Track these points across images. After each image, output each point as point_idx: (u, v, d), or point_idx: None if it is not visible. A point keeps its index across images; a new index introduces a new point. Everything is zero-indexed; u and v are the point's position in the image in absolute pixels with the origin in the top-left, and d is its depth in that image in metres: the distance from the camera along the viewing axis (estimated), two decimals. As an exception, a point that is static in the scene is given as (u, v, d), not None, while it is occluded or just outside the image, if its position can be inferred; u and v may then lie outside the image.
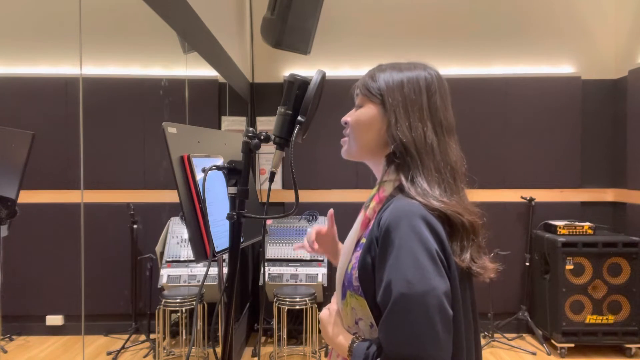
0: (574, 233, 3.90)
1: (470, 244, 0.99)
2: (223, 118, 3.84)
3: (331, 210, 1.35)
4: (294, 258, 3.86)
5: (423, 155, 1.02)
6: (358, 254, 1.01)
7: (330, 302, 1.16)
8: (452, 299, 0.94)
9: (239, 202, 1.14)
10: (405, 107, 1.04)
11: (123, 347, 2.98)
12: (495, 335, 4.05)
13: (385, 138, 1.06)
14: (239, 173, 1.16)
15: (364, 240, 1.02)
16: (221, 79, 3.52)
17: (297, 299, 3.51)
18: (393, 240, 0.93)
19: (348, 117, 1.13)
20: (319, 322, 1.16)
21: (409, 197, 0.98)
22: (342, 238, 1.17)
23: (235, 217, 1.14)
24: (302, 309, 3.64)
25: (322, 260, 3.82)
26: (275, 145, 1.13)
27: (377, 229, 0.97)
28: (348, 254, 1.06)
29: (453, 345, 0.92)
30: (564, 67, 4.36)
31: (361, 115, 1.10)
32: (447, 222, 0.97)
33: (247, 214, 1.15)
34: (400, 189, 1.02)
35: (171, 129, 1.43)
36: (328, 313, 1.12)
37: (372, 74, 1.11)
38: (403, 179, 1.01)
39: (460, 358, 0.95)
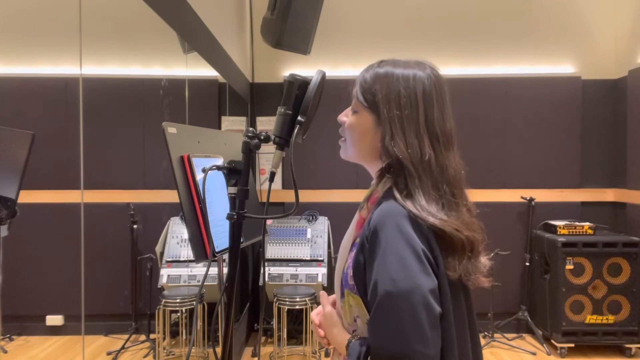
0: (574, 233, 3.90)
1: (464, 260, 0.98)
2: (223, 118, 3.84)
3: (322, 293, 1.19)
4: (294, 258, 3.85)
5: (420, 172, 1.00)
6: (353, 253, 1.03)
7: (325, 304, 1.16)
8: (441, 295, 0.94)
9: (239, 202, 1.15)
10: (401, 122, 1.01)
11: (123, 347, 2.98)
12: (495, 335, 4.05)
13: (380, 148, 1.04)
14: (239, 173, 1.16)
15: (358, 240, 1.03)
16: (221, 79, 3.52)
17: (297, 299, 3.51)
18: (380, 240, 0.94)
19: (344, 117, 1.12)
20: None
21: (398, 202, 0.98)
22: (341, 238, 1.17)
23: (235, 217, 1.14)
24: (302, 309, 3.64)
25: (322, 260, 3.82)
26: (275, 145, 1.13)
27: (367, 229, 0.99)
28: (345, 253, 1.07)
29: (443, 341, 0.93)
30: (564, 67, 4.36)
31: (355, 122, 1.08)
32: (443, 238, 0.97)
33: (247, 214, 1.15)
34: (390, 192, 1.01)
35: (171, 129, 1.43)
36: (322, 314, 1.13)
37: (370, 75, 1.06)
38: (397, 193, 0.99)
39: (452, 355, 0.95)
